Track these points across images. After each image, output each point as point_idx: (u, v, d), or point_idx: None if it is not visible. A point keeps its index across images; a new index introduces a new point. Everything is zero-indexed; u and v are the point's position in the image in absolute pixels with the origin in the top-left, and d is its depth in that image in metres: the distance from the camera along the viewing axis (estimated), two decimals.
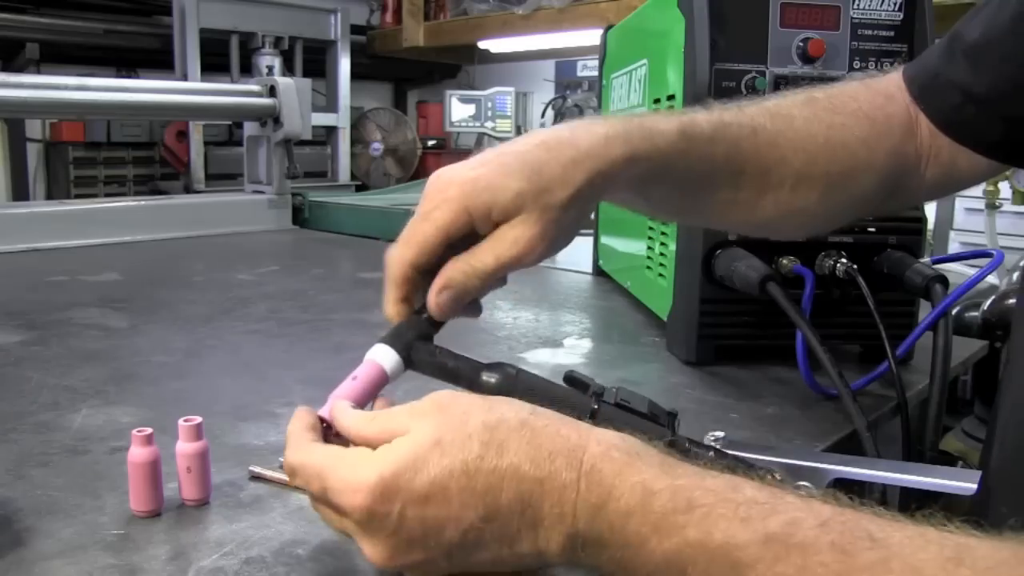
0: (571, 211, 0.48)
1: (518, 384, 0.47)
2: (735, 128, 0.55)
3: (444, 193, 0.48)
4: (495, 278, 0.49)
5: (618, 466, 0.38)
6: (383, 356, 0.48)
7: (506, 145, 0.50)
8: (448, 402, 0.41)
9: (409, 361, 0.48)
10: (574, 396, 0.47)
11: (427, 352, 0.48)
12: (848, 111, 0.58)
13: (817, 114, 0.57)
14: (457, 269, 0.48)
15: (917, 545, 0.32)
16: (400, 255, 0.49)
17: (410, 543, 0.39)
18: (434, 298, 0.49)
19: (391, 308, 0.50)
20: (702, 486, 0.36)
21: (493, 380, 0.47)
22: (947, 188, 0.63)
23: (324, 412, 0.46)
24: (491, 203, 0.47)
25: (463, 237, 0.48)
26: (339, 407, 0.45)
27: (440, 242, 0.48)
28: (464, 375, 0.47)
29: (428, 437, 0.39)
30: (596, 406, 0.47)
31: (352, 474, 0.40)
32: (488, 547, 0.39)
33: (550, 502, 0.38)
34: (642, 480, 0.37)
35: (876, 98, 0.59)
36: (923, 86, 0.59)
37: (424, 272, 0.49)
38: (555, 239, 0.48)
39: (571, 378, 0.50)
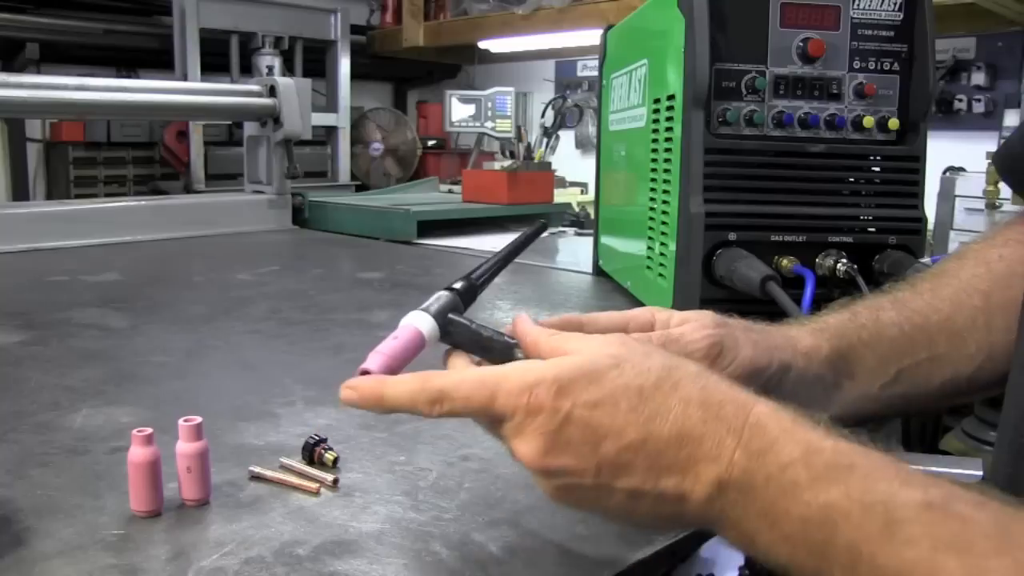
0: (749, 332, 0.54)
1: None
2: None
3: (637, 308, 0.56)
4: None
5: (784, 424, 0.39)
6: (422, 322, 0.48)
7: None
8: (630, 340, 0.44)
9: (444, 332, 0.49)
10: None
11: (464, 322, 0.49)
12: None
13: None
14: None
15: None
16: (592, 314, 0.55)
17: (566, 444, 0.40)
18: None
19: (526, 322, 0.51)
20: (864, 452, 0.37)
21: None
22: None
23: (369, 365, 0.46)
24: (672, 312, 0.55)
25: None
26: (523, 318, 0.47)
27: (621, 320, 0.54)
28: (498, 348, 0.48)
29: (608, 356, 0.41)
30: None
31: (530, 374, 0.41)
32: (635, 473, 0.39)
33: (710, 443, 0.38)
34: (807, 438, 0.38)
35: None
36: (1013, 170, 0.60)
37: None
38: (727, 336, 0.52)
39: None
